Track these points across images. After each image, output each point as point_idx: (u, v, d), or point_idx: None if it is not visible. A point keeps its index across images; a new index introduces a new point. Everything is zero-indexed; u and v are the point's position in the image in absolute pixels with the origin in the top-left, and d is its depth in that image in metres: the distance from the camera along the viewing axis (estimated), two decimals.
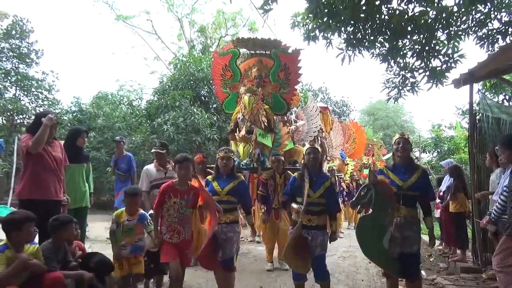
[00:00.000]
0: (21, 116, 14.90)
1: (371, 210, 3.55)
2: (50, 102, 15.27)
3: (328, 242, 3.78)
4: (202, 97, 12.99)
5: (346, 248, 7.69)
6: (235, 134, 6.28)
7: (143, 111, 12.10)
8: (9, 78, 14.59)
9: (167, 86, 12.63)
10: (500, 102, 6.19)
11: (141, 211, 4.14)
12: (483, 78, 5.22)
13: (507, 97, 6.29)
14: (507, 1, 5.12)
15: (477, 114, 5.55)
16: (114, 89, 17.52)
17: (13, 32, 14.77)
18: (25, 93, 14.89)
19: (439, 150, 14.08)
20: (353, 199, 3.67)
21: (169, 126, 11.01)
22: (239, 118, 6.15)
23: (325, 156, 9.95)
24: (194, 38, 20.37)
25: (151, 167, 5.18)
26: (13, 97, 14.67)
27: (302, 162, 4.11)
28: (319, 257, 3.70)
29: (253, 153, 6.04)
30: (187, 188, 3.72)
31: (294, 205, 3.74)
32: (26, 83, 14.76)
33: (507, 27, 5.13)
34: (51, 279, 3.02)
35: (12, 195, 9.48)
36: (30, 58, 15.08)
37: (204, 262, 3.91)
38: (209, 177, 4.10)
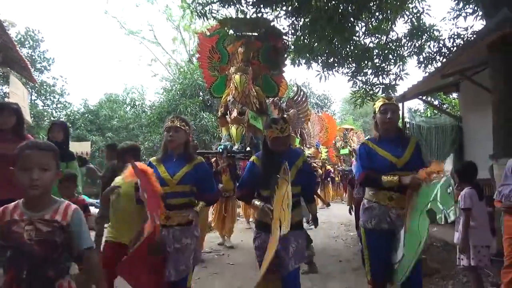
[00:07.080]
0: (37, 119, 16.57)
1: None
2: (63, 105, 16.97)
3: (314, 227, 3.01)
4: (208, 102, 14.89)
5: (325, 217, 9.79)
6: (226, 117, 5.87)
7: (156, 115, 13.98)
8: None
9: (177, 93, 14.47)
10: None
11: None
12: (410, 99, 7.39)
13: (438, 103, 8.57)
14: (433, 36, 7.20)
15: (406, 122, 7.74)
16: (120, 92, 19.40)
17: (26, 42, 16.30)
18: (41, 98, 16.54)
19: None
20: None
21: None
22: (229, 100, 5.82)
23: (304, 144, 11.92)
24: (194, 46, 22.02)
25: None
26: (30, 102, 16.30)
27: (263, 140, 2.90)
28: (293, 273, 2.57)
29: (246, 136, 5.71)
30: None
31: (257, 202, 2.70)
32: (40, 89, 16.41)
33: (435, 55, 7.24)
34: None
35: None
36: (42, 66, 16.69)
37: (129, 277, 2.50)
38: (153, 159, 2.80)
